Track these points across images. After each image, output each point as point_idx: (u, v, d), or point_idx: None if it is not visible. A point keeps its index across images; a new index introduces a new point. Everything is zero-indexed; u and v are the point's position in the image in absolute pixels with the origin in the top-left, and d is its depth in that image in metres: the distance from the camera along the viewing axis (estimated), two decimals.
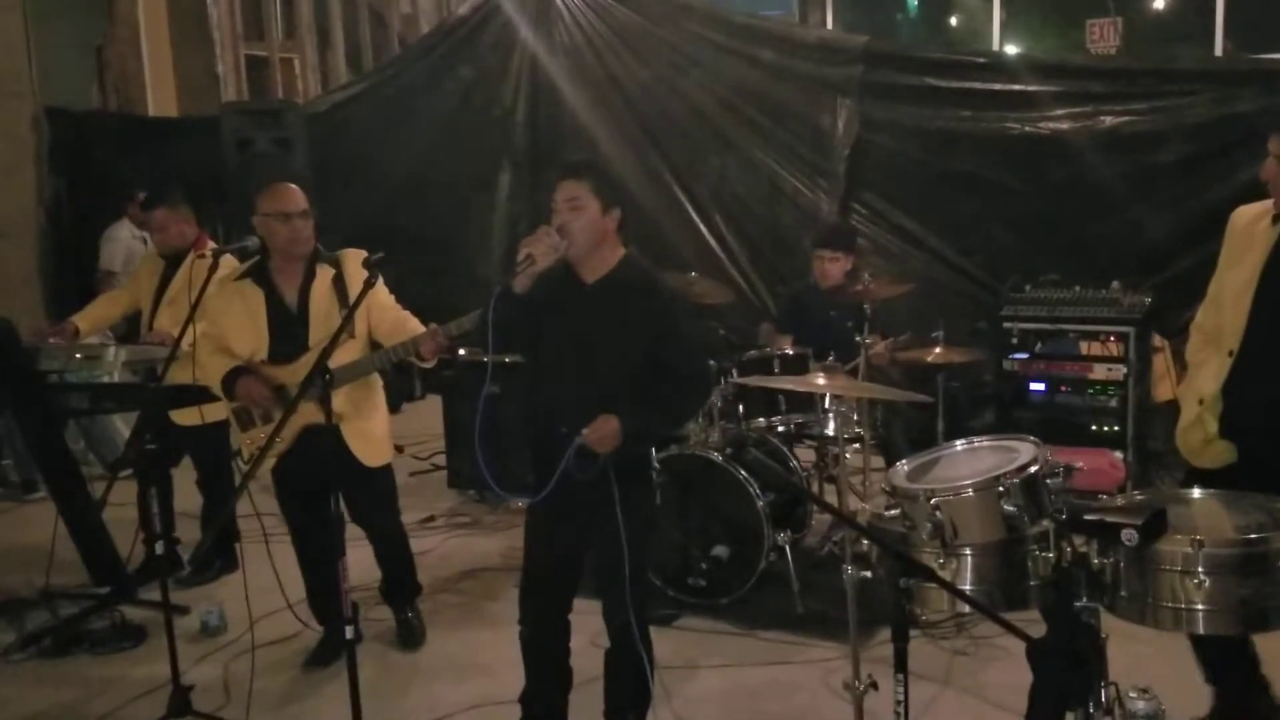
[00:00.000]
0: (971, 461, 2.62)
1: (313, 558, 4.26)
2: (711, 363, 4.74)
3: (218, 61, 9.75)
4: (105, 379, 4.77)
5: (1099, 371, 5.50)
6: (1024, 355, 5.65)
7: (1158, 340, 5.88)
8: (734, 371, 4.78)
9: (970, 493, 2.42)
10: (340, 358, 4.10)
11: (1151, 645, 3.33)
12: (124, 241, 7.42)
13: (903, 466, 2.67)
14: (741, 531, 4.49)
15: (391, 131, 8.45)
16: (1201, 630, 2.40)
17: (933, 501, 2.41)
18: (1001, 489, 2.41)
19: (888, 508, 2.64)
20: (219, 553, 5.17)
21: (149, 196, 5.23)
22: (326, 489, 4.22)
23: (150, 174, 7.46)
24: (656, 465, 4.44)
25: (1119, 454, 5.40)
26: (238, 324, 4.08)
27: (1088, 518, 2.28)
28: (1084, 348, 5.55)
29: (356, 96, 8.98)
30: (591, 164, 3.30)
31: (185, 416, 4.68)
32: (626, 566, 3.11)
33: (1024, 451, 2.54)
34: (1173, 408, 5.99)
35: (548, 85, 8.19)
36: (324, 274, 4.14)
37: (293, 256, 4.11)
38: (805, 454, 5.27)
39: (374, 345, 4.16)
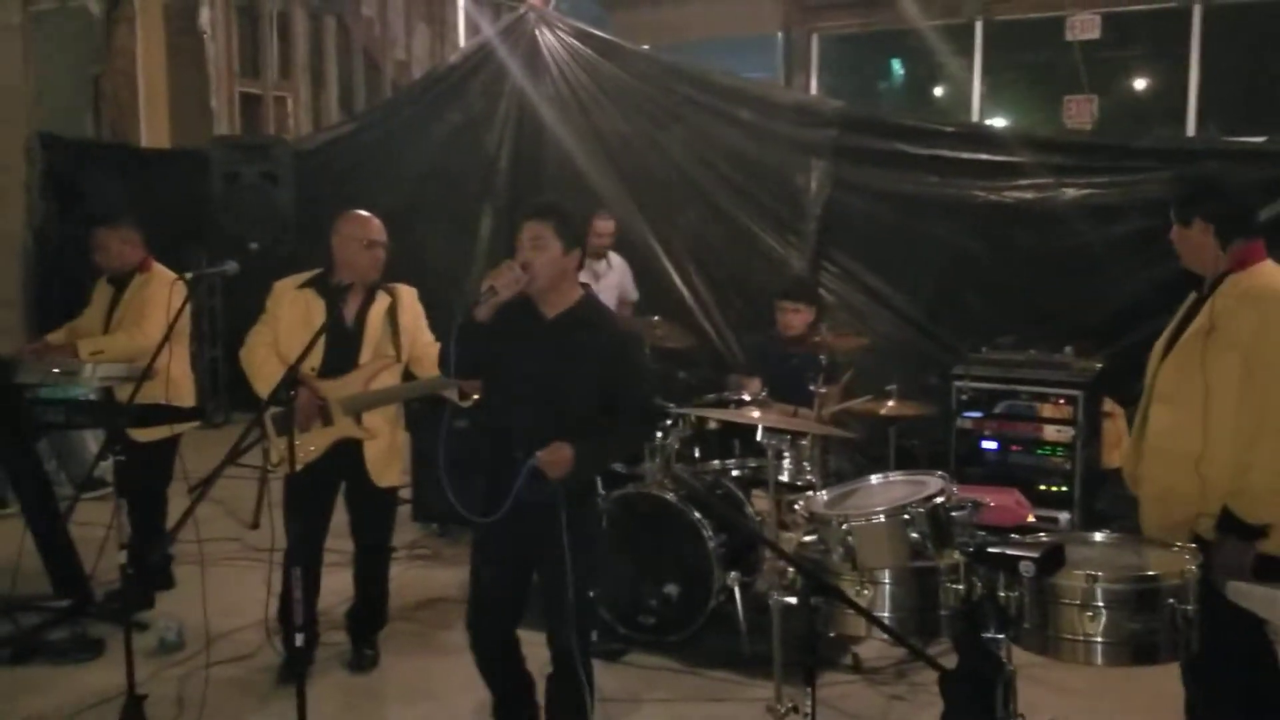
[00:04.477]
0: (885, 492, 2.78)
1: (304, 568, 4.34)
2: (671, 405, 4.93)
3: (212, 96, 9.95)
4: (86, 395, 4.88)
5: (1049, 433, 5.65)
6: (978, 414, 5.81)
7: (1110, 406, 6.03)
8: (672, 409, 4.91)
9: (879, 518, 2.57)
10: (381, 380, 4.30)
11: (1065, 677, 3.44)
12: None
13: (822, 496, 2.82)
14: (692, 571, 4.59)
15: (378, 171, 8.62)
16: (1100, 663, 2.54)
17: (844, 526, 2.56)
18: (907, 517, 2.56)
19: (805, 534, 2.78)
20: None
21: (96, 218, 5.37)
22: (331, 501, 4.38)
23: (137, 202, 7.59)
24: (602, 493, 4.56)
25: (1065, 507, 5.52)
26: (294, 329, 4.23)
27: (990, 550, 2.42)
28: (1036, 409, 5.71)
29: (346, 136, 9.18)
30: (556, 206, 3.41)
31: (149, 432, 4.78)
32: (571, 590, 3.22)
33: (931, 484, 2.69)
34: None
35: (532, 133, 8.38)
36: (381, 300, 4.38)
37: (362, 280, 4.33)
38: (764, 503, 5.37)
39: (406, 373, 4.38)
